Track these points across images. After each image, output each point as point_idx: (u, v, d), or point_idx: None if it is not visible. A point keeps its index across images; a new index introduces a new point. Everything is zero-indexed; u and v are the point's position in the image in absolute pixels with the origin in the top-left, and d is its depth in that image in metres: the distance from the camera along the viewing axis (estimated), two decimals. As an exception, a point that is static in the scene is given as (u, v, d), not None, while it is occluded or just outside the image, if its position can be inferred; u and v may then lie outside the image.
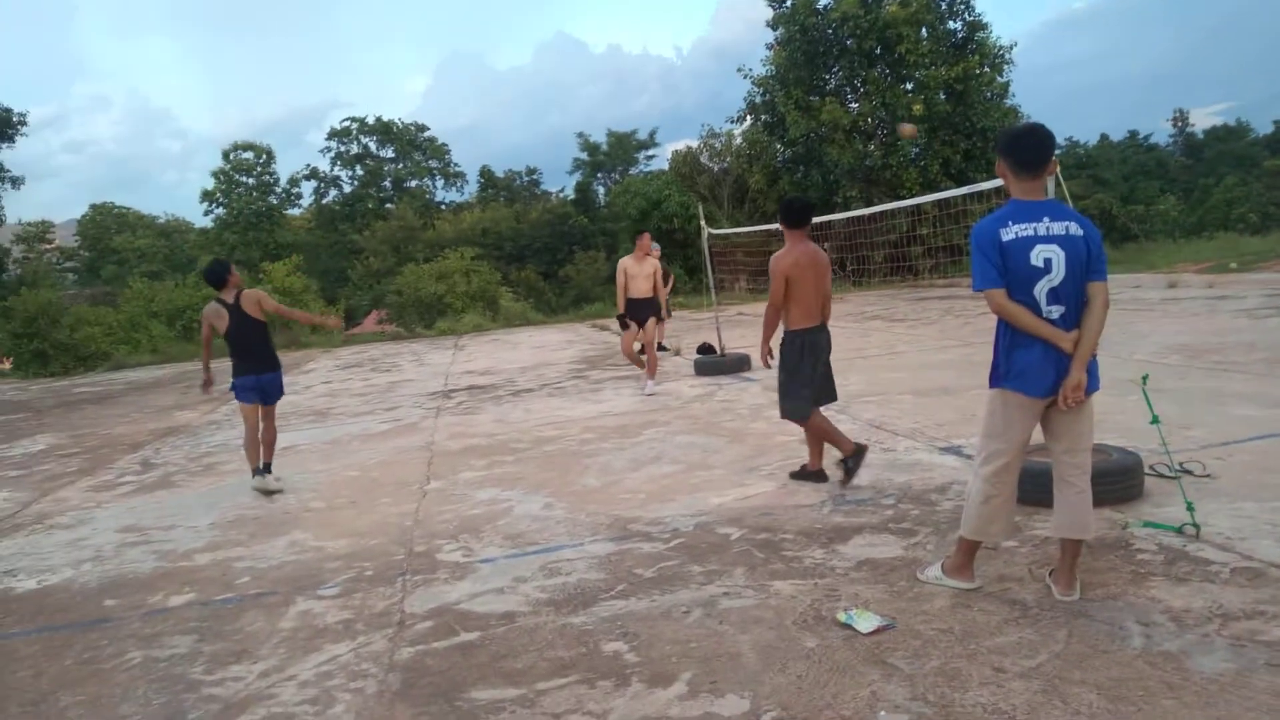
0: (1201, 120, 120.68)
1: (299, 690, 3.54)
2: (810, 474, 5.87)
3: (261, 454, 7.14)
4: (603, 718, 3.09)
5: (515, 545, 5.09)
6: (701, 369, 11.56)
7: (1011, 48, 29.41)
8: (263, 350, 7.16)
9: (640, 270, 10.25)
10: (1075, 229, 3.55)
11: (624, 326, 10.37)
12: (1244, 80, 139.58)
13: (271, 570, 5.08)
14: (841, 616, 3.67)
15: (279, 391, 7.30)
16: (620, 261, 10.37)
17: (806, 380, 5.68)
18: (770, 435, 7.40)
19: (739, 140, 33.56)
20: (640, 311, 10.29)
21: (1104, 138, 62.27)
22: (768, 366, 5.95)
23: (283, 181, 51.43)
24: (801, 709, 3.01)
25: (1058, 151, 3.97)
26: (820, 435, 5.79)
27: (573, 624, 3.91)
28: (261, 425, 7.18)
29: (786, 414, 5.86)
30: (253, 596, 4.69)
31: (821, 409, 5.80)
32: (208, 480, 7.81)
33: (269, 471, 7.17)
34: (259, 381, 7.11)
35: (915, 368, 10.36)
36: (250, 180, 49.73)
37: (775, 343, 5.85)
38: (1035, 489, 4.46)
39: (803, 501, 5.43)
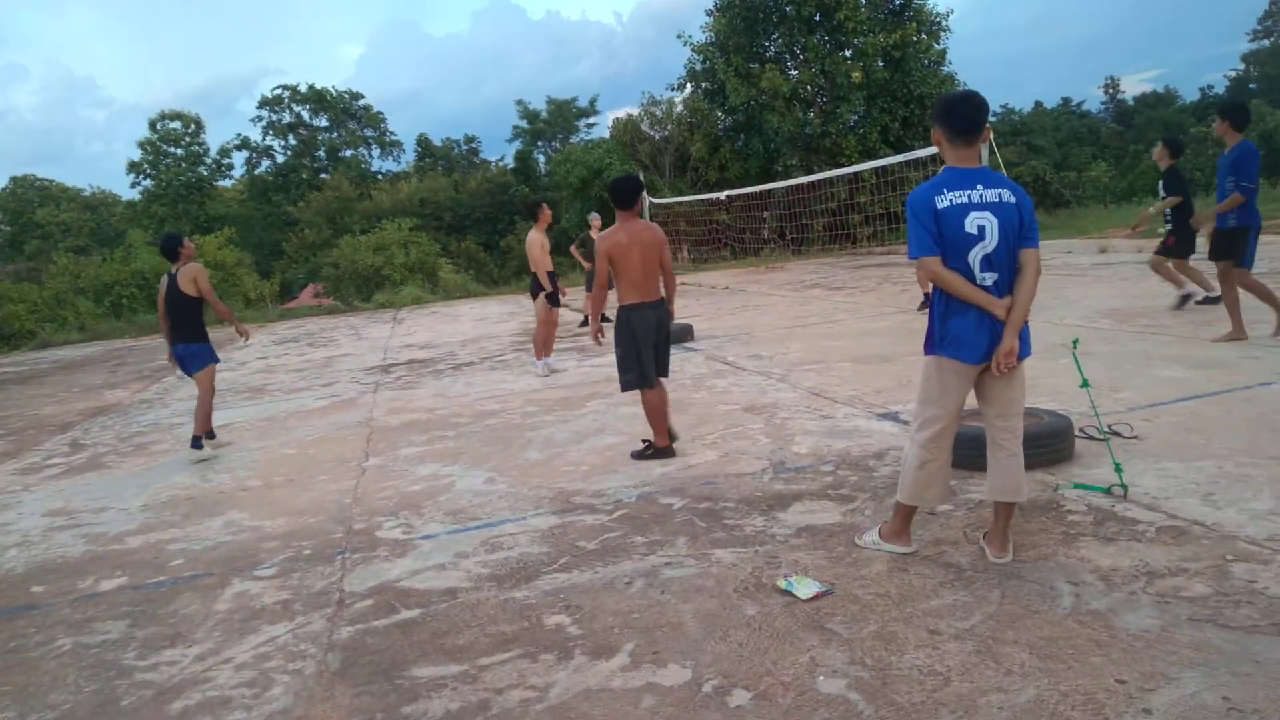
0: (1132, 87, 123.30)
1: (235, 673, 3.48)
2: (658, 450, 5.95)
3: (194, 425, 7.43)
4: (545, 691, 3.08)
5: (457, 521, 5.05)
6: (644, 339, 11.54)
7: (948, 15, 29.69)
8: (184, 323, 7.33)
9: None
10: (1008, 196, 3.59)
11: (556, 302, 10.07)
12: (1173, 47, 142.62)
13: (206, 551, 4.98)
14: (781, 583, 3.71)
15: (194, 363, 7.41)
16: (533, 235, 9.86)
17: (634, 355, 5.89)
18: (712, 405, 7.43)
19: (680, 108, 33.44)
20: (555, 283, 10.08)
21: (1038, 104, 63.32)
22: (598, 343, 6.20)
23: (213, 152, 50.08)
24: (742, 676, 3.04)
25: (993, 118, 4.01)
26: (650, 412, 5.97)
27: (515, 598, 3.89)
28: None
29: (623, 387, 6.05)
30: (187, 579, 4.59)
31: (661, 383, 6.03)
32: (140, 460, 7.62)
33: (197, 446, 7.34)
34: (175, 352, 7.41)
35: (854, 335, 10.47)
36: (179, 151, 48.31)
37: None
38: (969, 453, 4.55)
39: (744, 470, 5.46)
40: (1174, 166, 9.59)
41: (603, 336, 6.22)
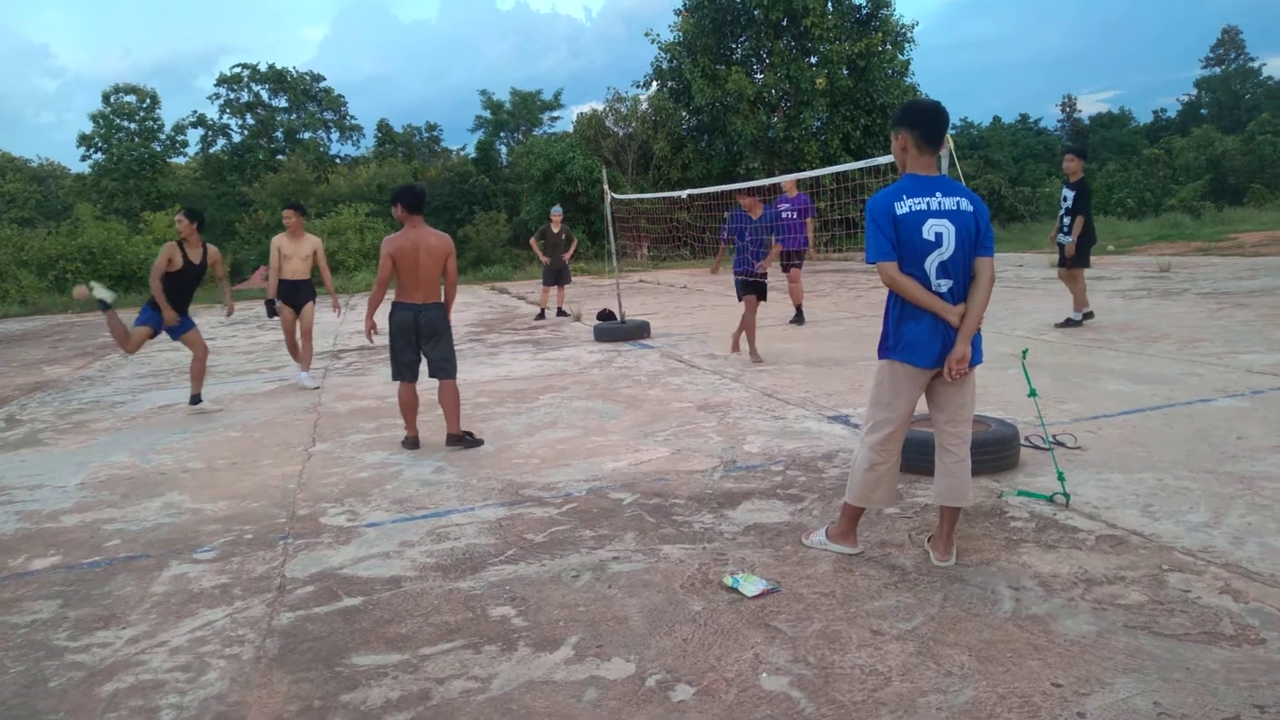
0: (1088, 106, 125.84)
1: (170, 657, 3.40)
2: (408, 440, 6.39)
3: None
4: (487, 682, 3.06)
5: (403, 509, 5.00)
6: (601, 335, 11.55)
7: (914, 26, 30.04)
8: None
9: (296, 250, 9.09)
10: (965, 204, 3.63)
11: (271, 313, 9.26)
12: (1130, 70, 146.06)
13: (144, 533, 4.87)
14: (728, 580, 3.71)
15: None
16: (274, 240, 9.15)
17: (399, 350, 6.27)
18: (666, 402, 7.44)
19: (645, 106, 33.42)
20: (295, 295, 9.20)
21: (996, 120, 64.14)
22: (370, 339, 6.44)
23: (168, 128, 48.86)
24: (686, 671, 3.04)
25: (952, 131, 4.06)
26: (403, 406, 6.39)
27: (460, 589, 3.86)
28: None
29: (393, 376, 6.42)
30: (123, 560, 4.48)
31: (449, 381, 6.36)
32: (78, 439, 7.43)
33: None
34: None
35: (808, 338, 10.55)
36: (132, 125, 47.08)
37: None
38: (917, 457, 4.60)
39: (695, 467, 5.47)
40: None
41: (376, 331, 6.42)
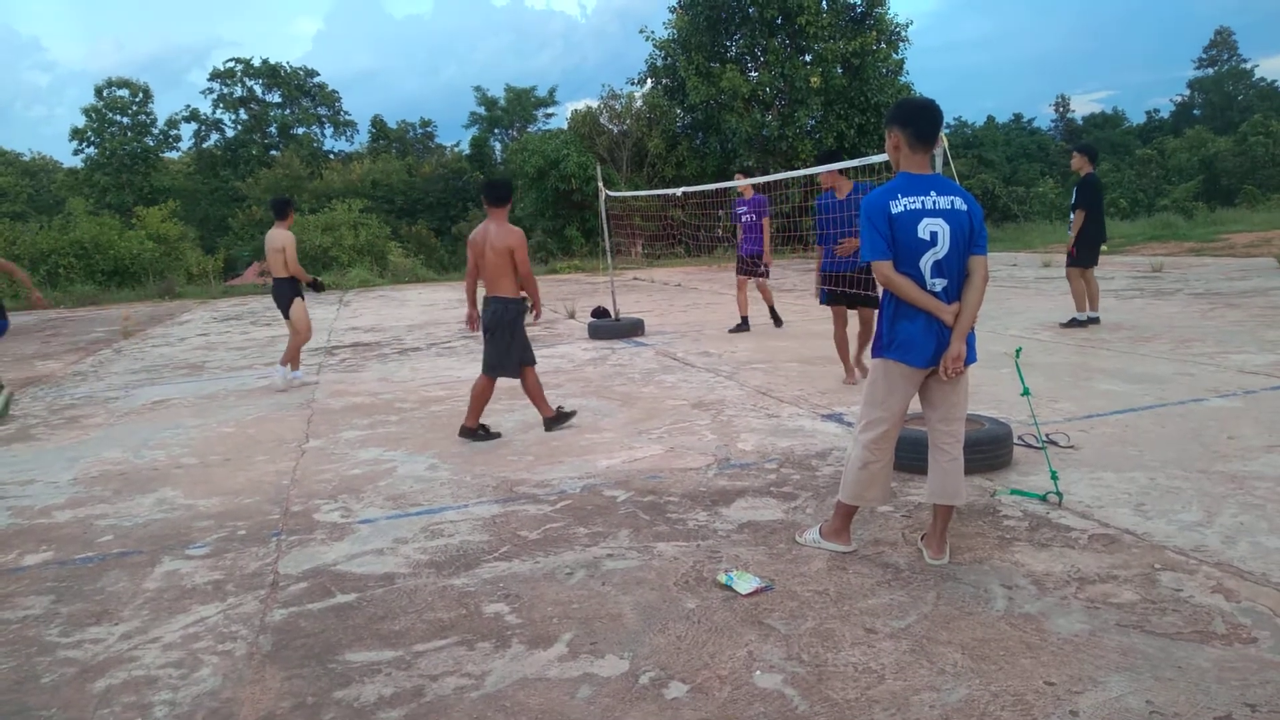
0: (1082, 106, 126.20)
1: (163, 653, 3.40)
2: (466, 430, 6.41)
3: None
4: (481, 679, 3.06)
5: (397, 506, 4.99)
6: (595, 332, 11.55)
7: (908, 25, 30.06)
8: None
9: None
10: (960, 203, 3.63)
11: (320, 288, 9.93)
12: (1124, 70, 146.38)
13: (137, 529, 4.86)
14: (722, 578, 3.72)
15: None
16: (288, 235, 9.11)
17: (486, 343, 6.40)
18: (660, 399, 7.44)
19: (639, 103, 33.39)
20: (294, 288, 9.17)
21: (990, 119, 64.28)
22: (473, 329, 6.61)
23: (160, 122, 48.76)
24: (680, 669, 3.04)
25: (946, 130, 4.07)
26: (471, 395, 6.45)
27: (454, 585, 3.86)
28: None
29: None
30: (116, 556, 4.47)
31: (523, 379, 6.45)
32: (71, 434, 7.41)
33: None
34: None
35: (802, 337, 10.55)
36: (125, 119, 46.98)
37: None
38: (911, 456, 4.61)
39: (689, 465, 5.47)
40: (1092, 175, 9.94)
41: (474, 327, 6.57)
